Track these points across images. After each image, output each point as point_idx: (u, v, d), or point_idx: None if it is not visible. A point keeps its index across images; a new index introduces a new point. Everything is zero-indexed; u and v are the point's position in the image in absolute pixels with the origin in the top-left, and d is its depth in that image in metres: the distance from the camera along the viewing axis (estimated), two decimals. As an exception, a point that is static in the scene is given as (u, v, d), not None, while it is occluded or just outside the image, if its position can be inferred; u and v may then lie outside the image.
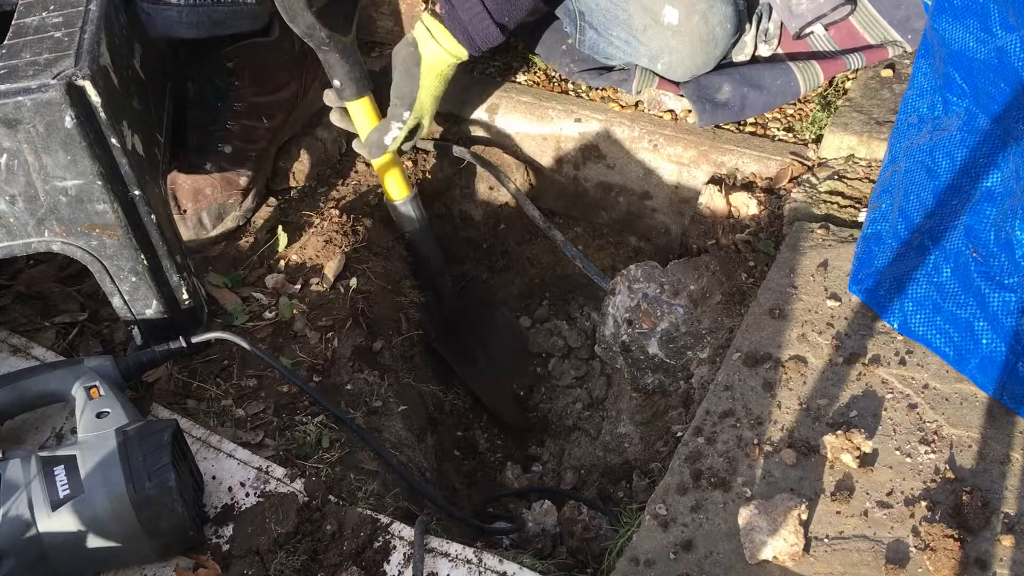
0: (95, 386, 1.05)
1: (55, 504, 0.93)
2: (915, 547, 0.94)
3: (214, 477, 1.09)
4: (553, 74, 1.71)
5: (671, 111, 1.60)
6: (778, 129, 1.54)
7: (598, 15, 1.54)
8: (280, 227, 1.46)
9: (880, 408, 1.07)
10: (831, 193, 1.37)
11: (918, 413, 1.06)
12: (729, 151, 1.52)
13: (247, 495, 1.08)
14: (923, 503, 0.97)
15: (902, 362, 1.11)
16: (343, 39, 1.33)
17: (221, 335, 1.20)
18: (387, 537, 1.03)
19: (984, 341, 1.04)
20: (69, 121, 1.02)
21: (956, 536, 0.93)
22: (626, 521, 1.08)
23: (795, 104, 1.57)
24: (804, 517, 0.95)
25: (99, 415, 1.01)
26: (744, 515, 0.96)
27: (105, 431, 0.99)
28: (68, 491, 0.94)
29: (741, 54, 1.57)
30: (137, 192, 1.12)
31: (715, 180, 1.52)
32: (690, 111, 1.56)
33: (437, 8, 1.36)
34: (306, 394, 1.20)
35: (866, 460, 1.02)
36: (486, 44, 1.37)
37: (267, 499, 1.06)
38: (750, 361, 1.14)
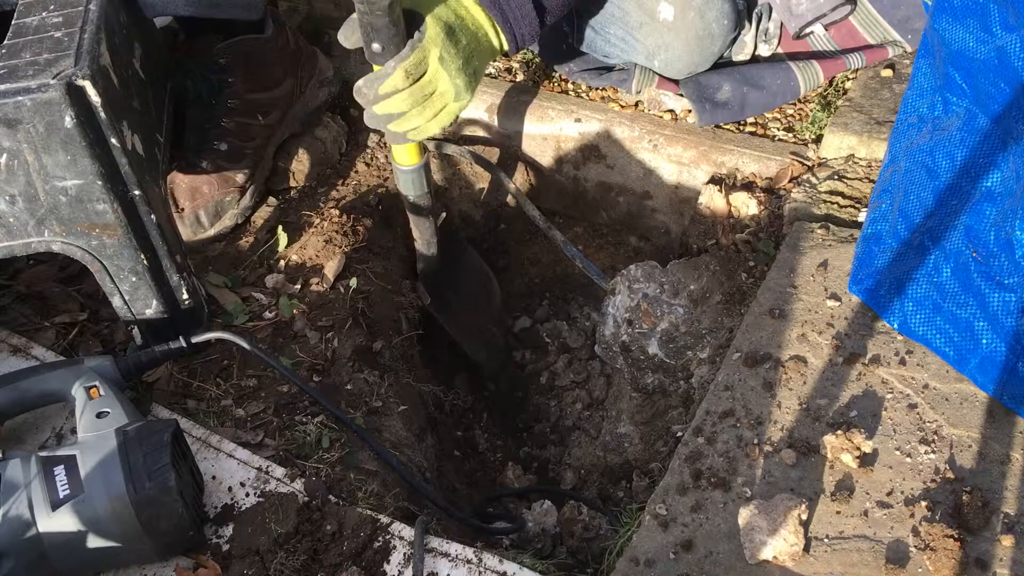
0: (95, 386, 1.05)
1: (55, 504, 0.93)
2: (915, 547, 0.94)
3: (214, 477, 1.09)
4: (553, 74, 1.70)
5: (671, 111, 1.60)
6: (778, 129, 1.54)
7: (594, 13, 1.54)
8: (280, 227, 1.46)
9: (880, 408, 1.07)
10: (831, 193, 1.37)
11: (918, 413, 1.06)
12: (729, 151, 1.52)
13: (247, 495, 1.08)
14: (923, 503, 0.97)
15: (902, 362, 1.11)
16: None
17: (221, 335, 1.20)
18: (387, 537, 1.03)
19: (984, 341, 1.04)
20: (69, 121, 1.02)
21: (956, 536, 0.93)
22: (626, 521, 1.08)
23: (795, 104, 1.57)
24: (804, 517, 0.95)
25: (99, 415, 1.01)
26: (744, 515, 0.96)
27: (105, 431, 0.99)
28: (68, 491, 0.94)
29: (741, 54, 1.57)
30: (137, 192, 1.11)
31: (715, 180, 1.52)
32: (690, 111, 1.57)
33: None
34: (306, 394, 1.20)
35: (866, 460, 1.02)
36: (519, 24, 1.23)
37: (267, 499, 1.06)
38: (750, 361, 1.14)
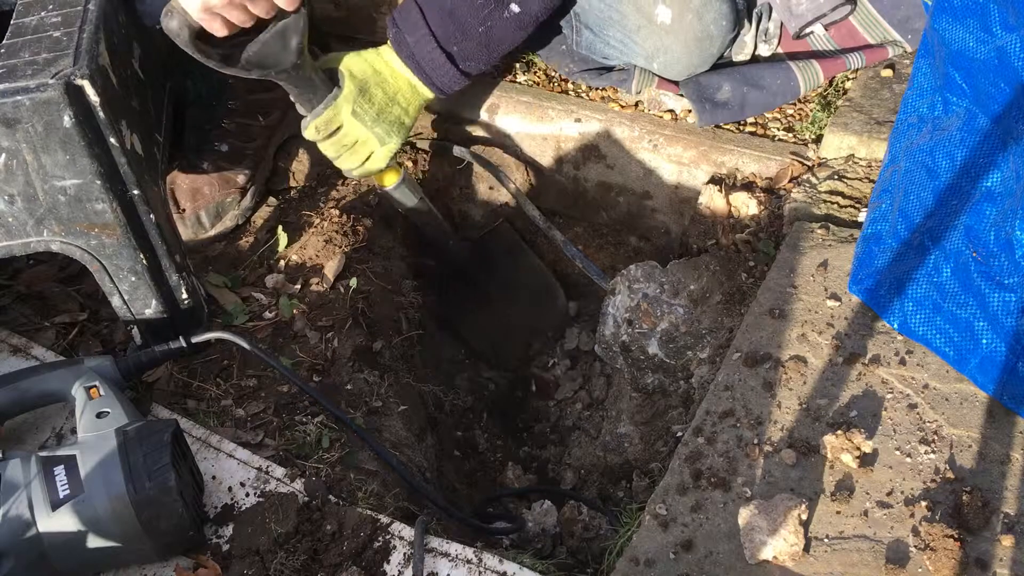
0: (95, 386, 1.05)
1: (55, 504, 0.93)
2: (915, 547, 0.94)
3: (214, 477, 1.09)
4: (553, 74, 1.70)
5: (671, 111, 1.60)
6: (778, 129, 1.54)
7: (592, 16, 1.54)
8: (280, 227, 1.46)
9: (880, 408, 1.07)
10: (831, 193, 1.37)
11: (918, 413, 1.06)
12: (729, 151, 1.52)
13: (247, 495, 1.08)
14: (923, 503, 0.97)
15: (902, 362, 1.11)
16: (289, 71, 1.21)
17: (221, 335, 1.20)
18: (387, 537, 1.03)
19: (984, 341, 1.04)
20: (68, 120, 1.02)
21: (956, 536, 0.93)
22: (626, 521, 1.08)
23: (795, 104, 1.57)
24: (804, 517, 0.95)
25: (99, 415, 1.01)
26: (744, 515, 0.96)
27: (105, 431, 0.99)
28: (68, 491, 0.94)
29: (741, 54, 1.57)
30: (136, 191, 1.11)
31: (715, 180, 1.52)
32: (690, 111, 1.56)
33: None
34: (306, 394, 1.20)
35: (866, 460, 1.02)
36: (435, 73, 1.35)
37: (267, 499, 1.06)
38: (750, 361, 1.14)
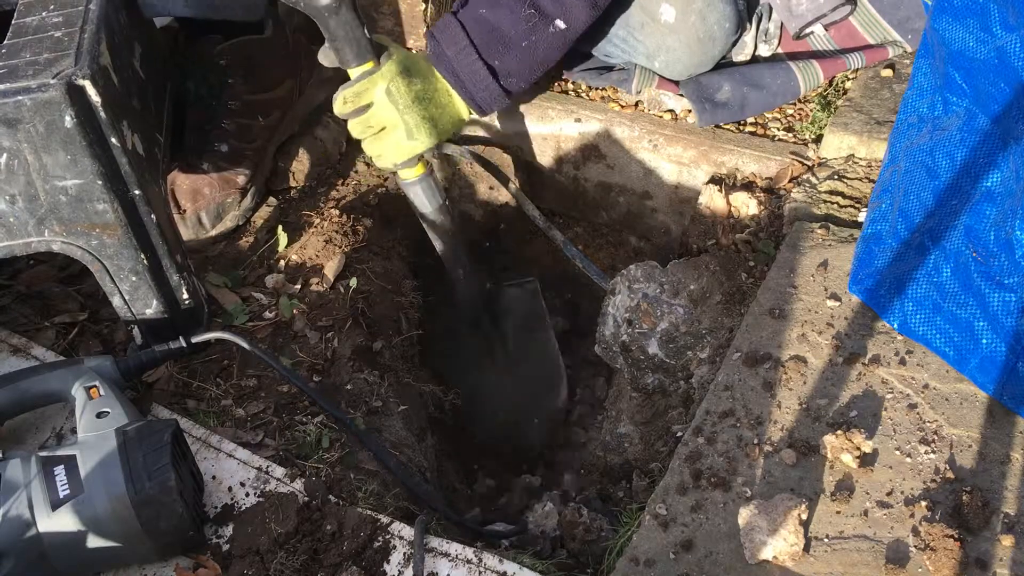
0: (95, 386, 1.05)
1: (55, 504, 0.93)
2: (915, 547, 0.94)
3: (214, 477, 1.09)
4: (553, 73, 1.70)
5: (671, 111, 1.60)
6: (778, 129, 1.54)
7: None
8: (280, 227, 1.46)
9: (880, 408, 1.07)
10: (831, 193, 1.37)
11: (918, 413, 1.06)
12: (729, 151, 1.52)
13: (247, 495, 1.08)
14: (923, 503, 0.97)
15: (902, 362, 1.11)
16: (331, 6, 1.17)
17: (221, 335, 1.20)
18: (387, 537, 1.03)
19: (984, 341, 1.04)
20: (69, 121, 1.02)
21: (956, 536, 0.93)
22: (626, 521, 1.08)
23: (795, 104, 1.57)
24: (804, 517, 0.95)
25: (99, 415, 1.01)
26: (744, 515, 0.96)
27: (105, 431, 0.99)
28: (68, 491, 0.94)
29: (741, 54, 1.57)
30: (137, 192, 1.11)
31: (715, 180, 1.52)
32: (690, 111, 1.56)
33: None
34: (306, 394, 1.20)
35: (866, 460, 1.02)
36: (476, 88, 1.28)
37: (267, 499, 1.06)
38: (750, 361, 1.14)
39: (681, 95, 1.56)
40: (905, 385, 1.09)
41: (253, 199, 1.51)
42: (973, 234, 1.03)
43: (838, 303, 1.19)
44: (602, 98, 1.65)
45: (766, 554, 0.94)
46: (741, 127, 1.56)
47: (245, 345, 1.18)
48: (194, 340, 1.19)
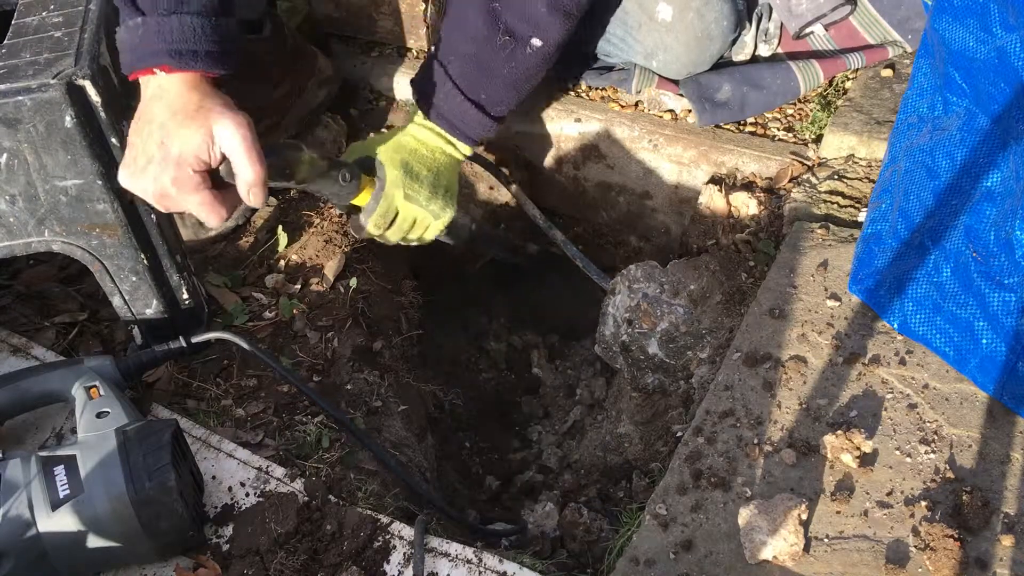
0: (95, 386, 1.05)
1: (55, 504, 0.93)
2: (915, 547, 0.94)
3: (214, 477, 1.09)
4: (553, 73, 1.70)
5: (671, 111, 1.60)
6: (778, 129, 1.54)
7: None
8: (280, 227, 1.46)
9: (880, 408, 1.07)
10: (831, 193, 1.37)
11: (918, 413, 1.06)
12: (729, 151, 1.52)
13: (247, 495, 1.08)
14: (923, 503, 0.97)
15: (902, 362, 1.11)
16: (299, 177, 1.16)
17: (221, 335, 1.20)
18: (387, 537, 1.03)
19: (984, 341, 1.04)
20: (69, 121, 1.02)
21: (956, 536, 0.93)
22: (626, 521, 1.08)
23: (795, 104, 1.57)
24: (804, 517, 0.95)
25: (99, 415, 1.01)
26: (744, 515, 0.96)
27: (105, 431, 0.99)
28: (68, 491, 0.94)
29: (741, 54, 1.57)
30: (137, 192, 1.11)
31: (715, 180, 1.52)
32: (690, 111, 1.56)
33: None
34: (305, 396, 1.20)
35: (866, 460, 1.02)
36: (468, 126, 1.31)
37: (267, 499, 1.06)
38: (750, 361, 1.14)
39: (681, 95, 1.56)
40: (905, 385, 1.09)
41: (253, 199, 1.51)
42: (973, 234, 1.03)
43: (838, 303, 1.19)
44: (602, 98, 1.65)
45: (766, 554, 0.94)
46: (741, 127, 1.56)
47: (245, 345, 1.18)
48: (194, 340, 1.19)
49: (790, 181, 1.45)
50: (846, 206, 1.35)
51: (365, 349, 1.36)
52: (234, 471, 1.10)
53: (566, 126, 1.64)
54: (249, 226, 1.50)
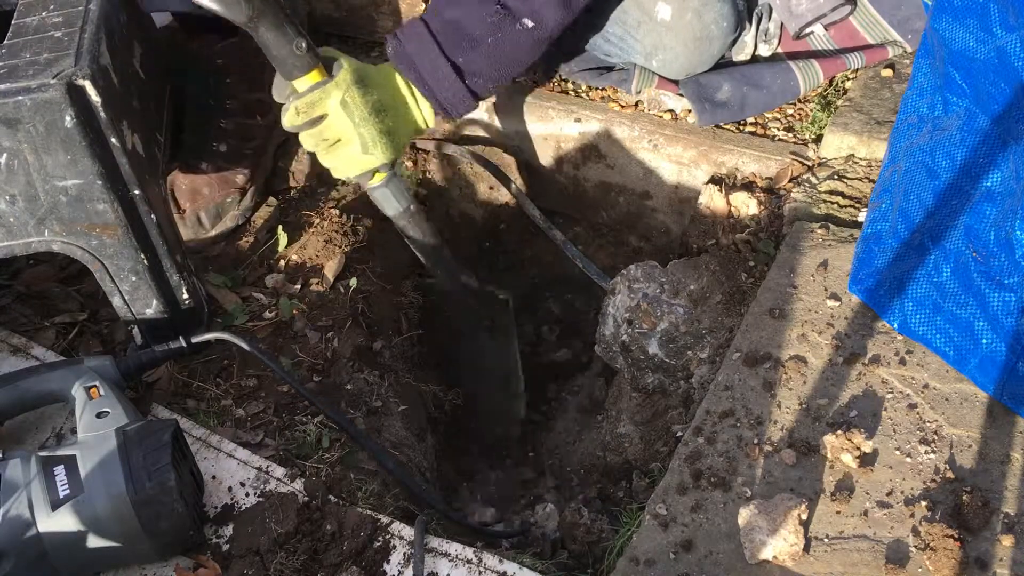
0: (95, 386, 1.05)
1: (55, 504, 0.93)
2: (915, 547, 0.94)
3: (214, 477, 1.09)
4: (553, 74, 1.70)
5: (671, 111, 1.60)
6: (778, 129, 1.54)
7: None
8: (280, 227, 1.46)
9: (880, 408, 1.07)
10: (831, 193, 1.37)
11: (918, 413, 1.06)
12: (729, 151, 1.52)
13: (247, 495, 1.08)
14: (923, 503, 0.97)
15: (902, 362, 1.11)
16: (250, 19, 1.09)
17: (221, 335, 1.20)
18: (387, 537, 1.03)
19: (984, 341, 1.04)
20: (69, 121, 1.02)
21: (956, 536, 0.93)
22: (626, 521, 1.08)
23: (795, 104, 1.57)
24: (804, 517, 0.95)
25: (99, 415, 1.01)
26: (744, 515, 0.96)
27: (105, 431, 0.99)
28: (68, 491, 0.94)
29: (741, 54, 1.57)
30: (137, 192, 1.11)
31: (715, 180, 1.52)
32: (690, 111, 1.56)
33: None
34: (303, 397, 1.20)
35: (866, 460, 1.02)
36: (439, 86, 1.23)
37: (267, 499, 1.06)
38: (750, 361, 1.14)
39: (681, 95, 1.56)
40: (905, 385, 1.09)
41: (252, 199, 1.51)
42: (973, 234, 1.03)
43: (838, 303, 1.19)
44: (602, 98, 1.65)
45: (766, 554, 0.94)
46: (741, 127, 1.56)
47: (245, 345, 1.18)
48: (194, 340, 1.19)
49: (790, 181, 1.45)
50: (846, 206, 1.35)
51: (365, 349, 1.36)
52: (234, 471, 1.10)
53: (566, 126, 1.64)
54: (249, 226, 1.50)
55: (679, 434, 1.19)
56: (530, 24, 1.24)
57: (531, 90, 1.68)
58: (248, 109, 1.50)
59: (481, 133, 1.72)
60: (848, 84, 1.54)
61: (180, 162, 1.47)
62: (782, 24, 1.57)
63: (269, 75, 1.52)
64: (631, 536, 1.01)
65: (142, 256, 1.14)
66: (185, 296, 1.22)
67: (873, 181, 1.37)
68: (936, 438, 1.03)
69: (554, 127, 1.65)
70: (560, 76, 1.69)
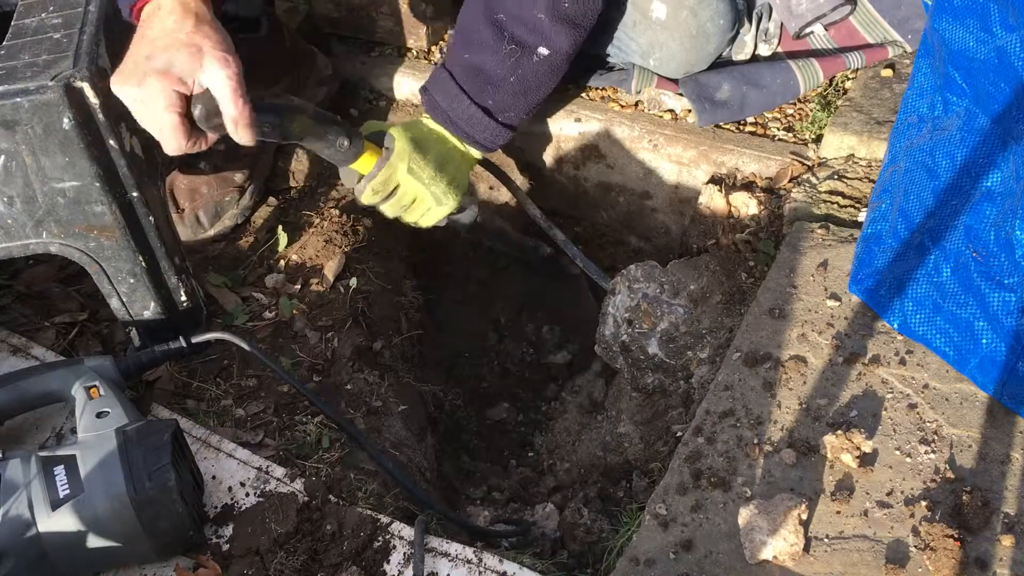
0: (95, 386, 1.05)
1: (55, 504, 0.93)
2: (915, 547, 0.94)
3: (214, 477, 1.09)
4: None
5: (671, 111, 1.60)
6: (778, 129, 1.54)
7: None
8: (280, 227, 1.46)
9: (880, 408, 1.07)
10: (831, 193, 1.37)
11: (918, 413, 1.06)
12: (729, 151, 1.52)
13: (247, 495, 1.08)
14: (923, 503, 0.97)
15: (902, 362, 1.11)
16: (293, 131, 1.14)
17: (221, 335, 1.20)
18: (387, 537, 1.03)
19: (984, 341, 1.04)
20: (67, 122, 1.02)
21: (956, 536, 0.93)
22: (626, 521, 1.08)
23: (795, 104, 1.57)
24: (804, 517, 0.95)
25: (99, 415, 1.01)
26: (744, 515, 0.96)
27: (105, 431, 0.99)
28: (68, 491, 0.94)
29: (741, 53, 1.57)
30: (135, 194, 1.11)
31: (715, 180, 1.52)
32: (690, 111, 1.56)
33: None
34: (304, 397, 1.20)
35: (866, 460, 1.02)
36: (475, 130, 1.32)
37: (267, 499, 1.06)
38: (750, 361, 1.14)
39: (681, 94, 1.56)
40: (905, 385, 1.09)
41: (251, 198, 1.51)
42: (973, 234, 1.03)
43: (838, 303, 1.19)
44: (602, 98, 1.64)
45: (766, 554, 0.94)
46: (741, 127, 1.56)
47: (244, 346, 1.18)
48: (194, 340, 1.19)
49: (790, 181, 1.44)
50: (846, 206, 1.35)
51: (365, 349, 1.36)
52: (234, 471, 1.10)
53: (566, 126, 1.64)
54: (249, 226, 1.50)
55: (679, 434, 1.19)
56: (545, 52, 1.30)
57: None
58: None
59: (481, 133, 1.72)
60: (848, 84, 1.54)
61: (180, 162, 1.47)
62: (782, 24, 1.57)
63: (268, 75, 1.53)
64: (631, 536, 1.01)
65: (140, 258, 1.14)
66: (183, 298, 1.22)
67: (873, 181, 1.37)
68: (936, 438, 1.03)
69: (554, 127, 1.65)
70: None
